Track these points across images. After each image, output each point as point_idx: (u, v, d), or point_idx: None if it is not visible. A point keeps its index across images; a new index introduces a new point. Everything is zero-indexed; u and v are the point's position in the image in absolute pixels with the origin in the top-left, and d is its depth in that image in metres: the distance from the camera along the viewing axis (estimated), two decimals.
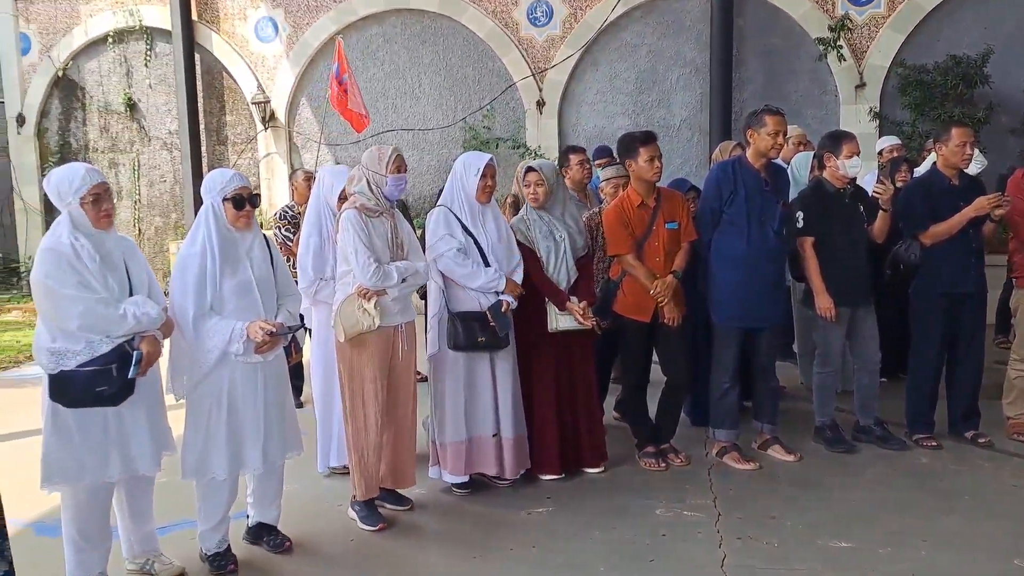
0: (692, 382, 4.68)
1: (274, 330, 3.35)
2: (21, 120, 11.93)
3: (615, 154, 5.89)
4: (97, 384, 2.99)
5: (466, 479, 4.24)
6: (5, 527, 2.71)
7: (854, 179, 4.74)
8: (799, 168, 5.80)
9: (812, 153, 5.68)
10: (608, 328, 4.52)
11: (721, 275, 4.46)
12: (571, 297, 4.28)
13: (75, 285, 3.00)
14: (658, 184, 4.50)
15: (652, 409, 4.67)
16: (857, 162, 4.60)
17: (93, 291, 3.03)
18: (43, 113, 11.97)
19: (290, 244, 5.76)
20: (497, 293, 4.10)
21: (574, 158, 5.59)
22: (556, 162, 5.75)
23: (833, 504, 4.05)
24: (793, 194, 4.92)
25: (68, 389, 3.00)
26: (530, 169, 4.39)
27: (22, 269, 11.68)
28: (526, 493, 4.24)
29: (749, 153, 4.49)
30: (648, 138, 4.40)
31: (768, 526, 3.80)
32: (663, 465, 4.52)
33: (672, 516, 3.94)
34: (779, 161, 5.05)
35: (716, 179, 4.50)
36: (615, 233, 4.43)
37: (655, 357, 4.65)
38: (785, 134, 4.53)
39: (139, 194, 11.89)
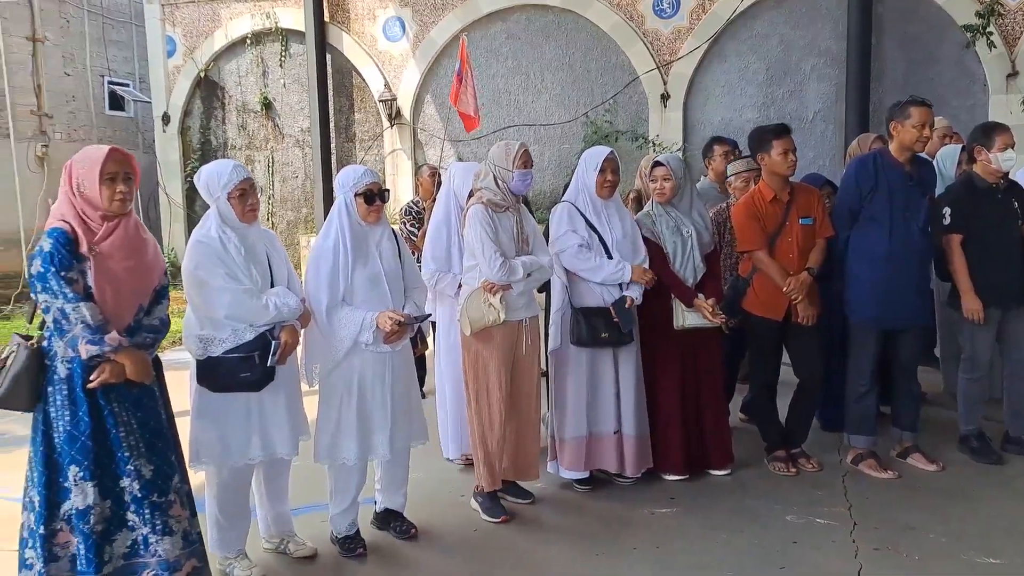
0: (825, 384, 4.49)
1: (402, 320, 3.43)
2: (166, 119, 12.68)
3: (739, 147, 5.73)
4: (240, 370, 3.14)
5: (586, 475, 4.21)
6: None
7: (1007, 174, 4.44)
8: (945, 162, 5.47)
9: (959, 146, 5.36)
10: (736, 326, 4.40)
11: (860, 273, 4.25)
12: (699, 294, 4.19)
13: (223, 276, 3.15)
14: (791, 179, 4.34)
15: (781, 411, 4.52)
16: (1011, 155, 4.32)
17: (239, 282, 3.17)
18: (186, 112, 12.66)
19: (414, 239, 5.88)
20: (621, 287, 4.05)
21: (718, 149, 5.47)
22: (681, 153, 5.65)
23: (980, 517, 3.80)
24: (940, 189, 4.65)
25: (214, 374, 3.17)
26: (657, 164, 4.31)
27: (165, 260, 12.40)
28: (649, 492, 4.17)
29: (892, 146, 4.26)
30: (782, 131, 4.25)
31: (908, 537, 3.61)
32: (793, 470, 4.36)
33: (804, 523, 3.80)
34: (923, 155, 4.78)
35: (855, 174, 4.30)
36: (746, 228, 4.29)
37: (785, 358, 4.48)
38: (932, 126, 4.29)
39: (273, 189, 12.42)
